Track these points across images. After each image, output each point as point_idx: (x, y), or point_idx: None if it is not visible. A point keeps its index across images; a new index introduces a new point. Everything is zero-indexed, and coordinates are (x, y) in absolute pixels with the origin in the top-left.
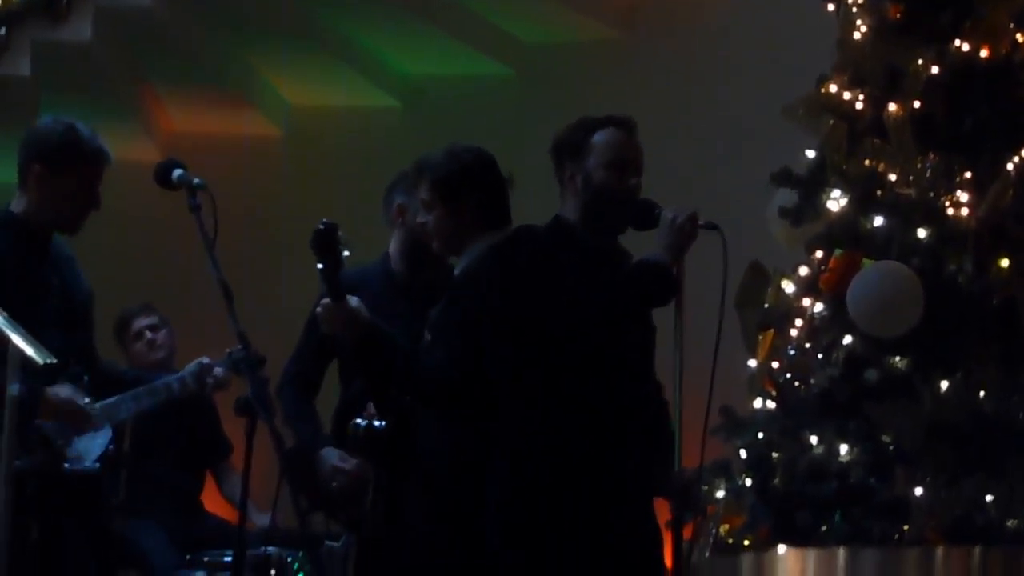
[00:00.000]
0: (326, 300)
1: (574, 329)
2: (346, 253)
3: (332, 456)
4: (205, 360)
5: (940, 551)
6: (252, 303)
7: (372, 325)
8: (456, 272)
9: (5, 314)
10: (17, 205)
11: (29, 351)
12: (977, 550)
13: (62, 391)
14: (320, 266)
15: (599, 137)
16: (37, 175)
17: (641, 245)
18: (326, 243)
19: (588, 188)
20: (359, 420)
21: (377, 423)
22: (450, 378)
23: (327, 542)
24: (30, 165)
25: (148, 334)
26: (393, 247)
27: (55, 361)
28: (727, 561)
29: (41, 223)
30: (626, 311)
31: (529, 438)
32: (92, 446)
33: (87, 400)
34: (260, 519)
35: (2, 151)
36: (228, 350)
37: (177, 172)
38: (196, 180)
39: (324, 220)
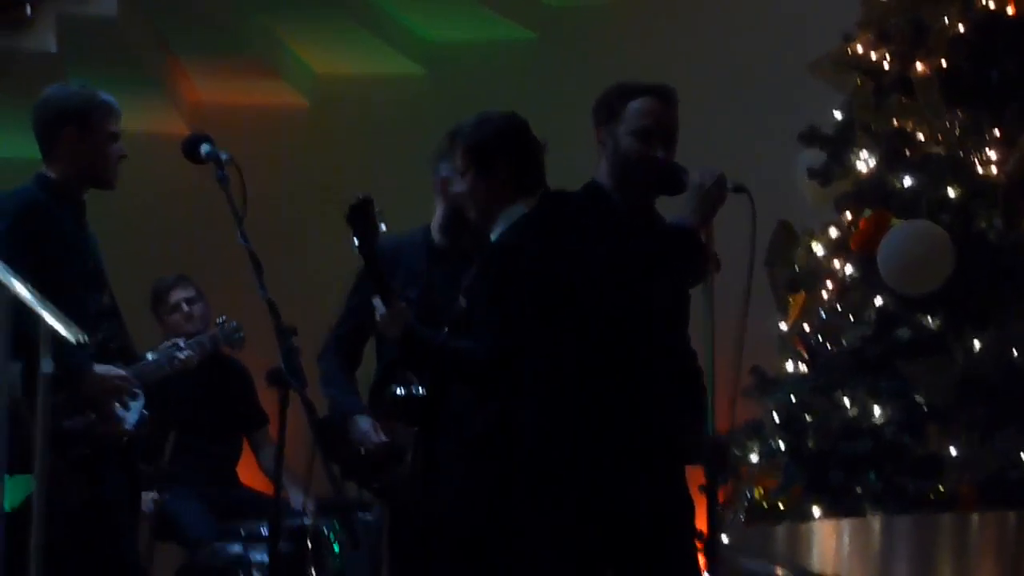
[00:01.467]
0: (383, 311)
1: (603, 293)
2: (382, 227)
3: (364, 423)
4: (180, 341)
5: (976, 518)
6: (281, 273)
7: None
8: (492, 238)
9: (36, 292)
10: (52, 172)
11: (60, 329)
12: (1012, 515)
13: (108, 370)
14: (356, 241)
15: (633, 105)
16: (69, 137)
17: (673, 209)
18: (361, 217)
19: (616, 154)
20: (397, 387)
21: (415, 389)
22: (488, 362)
23: (359, 513)
24: (60, 129)
25: (184, 306)
26: (436, 217)
27: (86, 339)
28: (761, 526)
29: (80, 184)
30: (656, 275)
31: (557, 401)
32: (131, 410)
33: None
34: (295, 495)
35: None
36: (218, 320)
37: (205, 147)
38: (223, 154)
39: (358, 194)
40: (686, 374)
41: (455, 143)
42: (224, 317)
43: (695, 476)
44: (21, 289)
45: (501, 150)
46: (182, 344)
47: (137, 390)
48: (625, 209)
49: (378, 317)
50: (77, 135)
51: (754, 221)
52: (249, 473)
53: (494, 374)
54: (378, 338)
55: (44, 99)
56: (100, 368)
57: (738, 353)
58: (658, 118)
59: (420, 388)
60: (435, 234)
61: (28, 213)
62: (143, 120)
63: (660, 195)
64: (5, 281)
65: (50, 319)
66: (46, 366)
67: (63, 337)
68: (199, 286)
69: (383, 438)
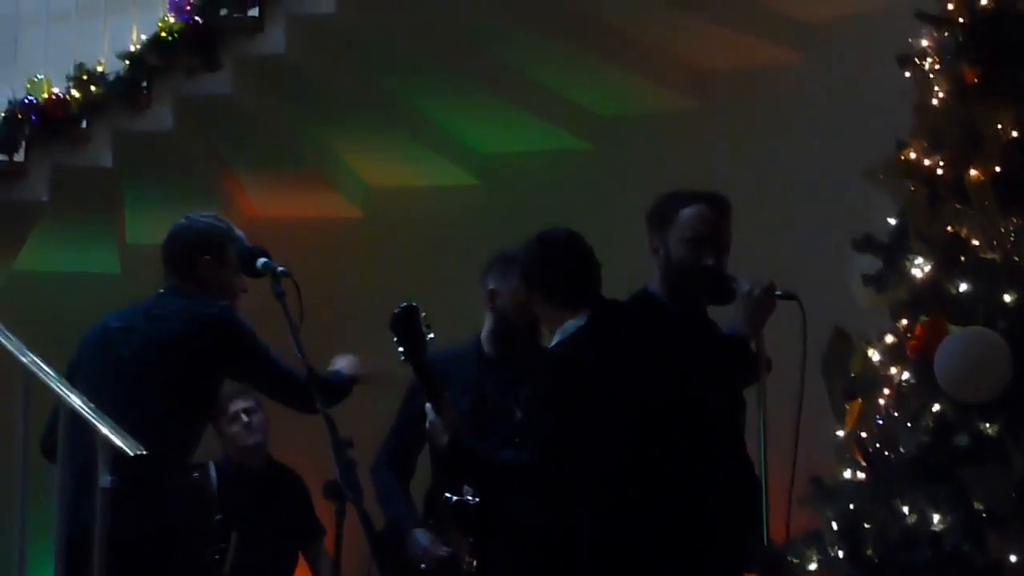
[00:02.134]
0: (433, 417)
1: (657, 400)
2: (430, 336)
3: (423, 538)
4: None
5: None
6: None
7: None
8: (548, 350)
9: (92, 404)
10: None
11: (117, 441)
12: None
13: None
14: (400, 350)
15: (685, 213)
16: (207, 265)
17: (724, 317)
18: (405, 324)
19: (668, 262)
20: (450, 495)
21: (470, 498)
22: (534, 469)
23: None
24: (198, 258)
25: (244, 417)
26: (485, 329)
27: (144, 452)
28: None
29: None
30: (708, 382)
31: (615, 512)
32: None
33: None
34: None
35: (88, 240)
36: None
37: (261, 260)
38: (280, 267)
39: (402, 303)
40: (743, 482)
41: (511, 266)
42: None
43: None
44: (79, 402)
45: (551, 269)
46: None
47: None
48: (678, 316)
49: (427, 424)
50: (211, 263)
51: (804, 328)
52: None
53: (540, 482)
54: (432, 445)
55: (180, 227)
56: None
57: (793, 460)
58: (710, 225)
59: (473, 496)
60: (485, 345)
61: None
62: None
63: (710, 304)
64: (64, 395)
65: (106, 431)
66: (104, 480)
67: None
68: (258, 397)
69: (444, 551)
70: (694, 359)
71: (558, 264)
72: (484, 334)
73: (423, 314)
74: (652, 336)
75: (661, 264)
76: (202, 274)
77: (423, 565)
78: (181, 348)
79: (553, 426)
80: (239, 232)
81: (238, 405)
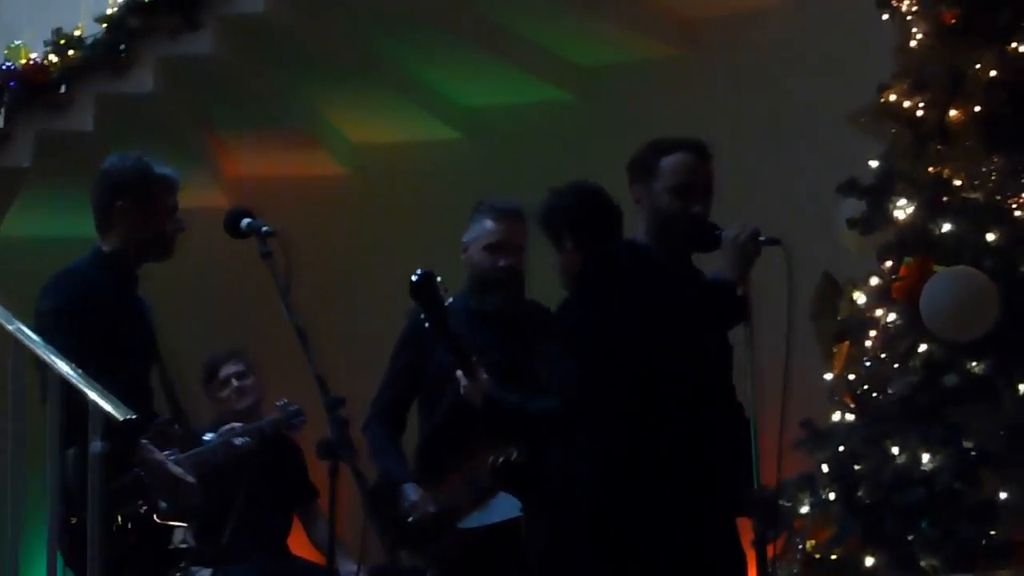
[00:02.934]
0: (465, 382)
1: (649, 349)
2: (450, 300)
3: (411, 492)
4: (238, 425)
5: None
6: (329, 343)
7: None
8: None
9: (80, 370)
10: (107, 246)
11: (108, 407)
12: None
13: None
14: (424, 317)
15: (667, 161)
16: (122, 211)
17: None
18: (425, 292)
19: (653, 211)
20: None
21: (512, 455)
22: (562, 417)
23: None
24: (113, 203)
25: (235, 381)
26: (464, 284)
27: (135, 417)
28: None
29: (135, 258)
30: (699, 330)
31: (609, 456)
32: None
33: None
34: (347, 565)
35: (73, 206)
36: (278, 403)
37: (246, 220)
38: (265, 227)
39: (418, 269)
40: (734, 425)
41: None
42: (284, 400)
43: (745, 530)
44: (67, 369)
45: (567, 222)
46: (238, 429)
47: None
48: (666, 265)
49: (461, 389)
50: (128, 209)
51: (790, 273)
52: (298, 543)
53: (568, 428)
54: (421, 402)
55: (100, 172)
56: (157, 455)
57: (782, 404)
58: (694, 173)
59: (517, 453)
60: (467, 298)
61: (81, 292)
62: (184, 196)
63: (696, 251)
64: (51, 362)
65: (97, 398)
66: (95, 447)
67: (112, 416)
68: (251, 360)
69: (431, 507)
70: (685, 307)
71: (573, 216)
72: (463, 287)
73: (439, 279)
74: (643, 286)
75: (646, 214)
76: (120, 223)
77: (411, 519)
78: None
79: (566, 374)
80: (166, 171)
81: (228, 370)
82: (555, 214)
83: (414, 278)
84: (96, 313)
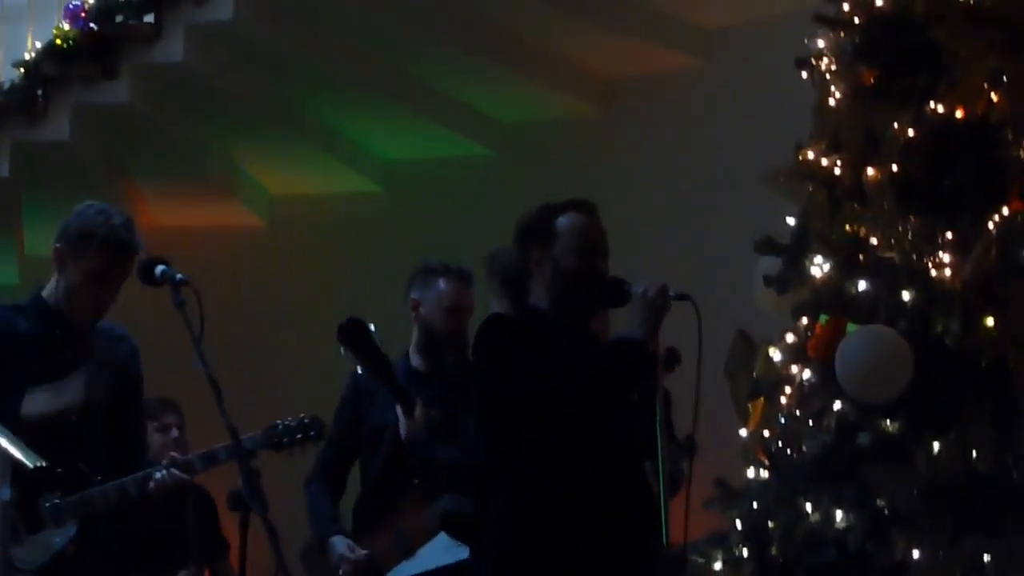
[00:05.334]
0: (403, 421)
1: (552, 411)
2: (382, 347)
3: (340, 545)
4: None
5: None
6: (240, 394)
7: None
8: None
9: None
10: (48, 289)
11: (17, 455)
12: None
13: None
14: (356, 360)
15: (563, 222)
16: (57, 254)
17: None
18: (353, 335)
19: (558, 274)
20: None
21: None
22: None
23: None
24: (55, 245)
25: (174, 431)
26: (412, 341)
27: (44, 464)
28: None
29: (60, 308)
30: (603, 391)
31: (518, 514)
32: (50, 543)
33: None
34: None
35: None
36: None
37: (160, 268)
38: (179, 275)
39: (348, 316)
40: (640, 487)
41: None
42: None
43: None
44: None
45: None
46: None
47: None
48: (567, 330)
49: (401, 429)
50: (63, 256)
51: (700, 329)
52: None
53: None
54: (361, 461)
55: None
56: None
57: (689, 462)
58: (591, 231)
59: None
60: (413, 358)
61: None
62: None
63: (604, 307)
64: None
65: (7, 445)
66: (4, 494)
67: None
68: (180, 414)
69: (360, 554)
70: (585, 369)
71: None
72: (412, 346)
73: (372, 327)
74: (541, 346)
75: (547, 277)
76: (57, 267)
77: (341, 570)
78: None
79: (474, 431)
80: (124, 235)
81: (167, 419)
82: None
83: (343, 322)
84: None
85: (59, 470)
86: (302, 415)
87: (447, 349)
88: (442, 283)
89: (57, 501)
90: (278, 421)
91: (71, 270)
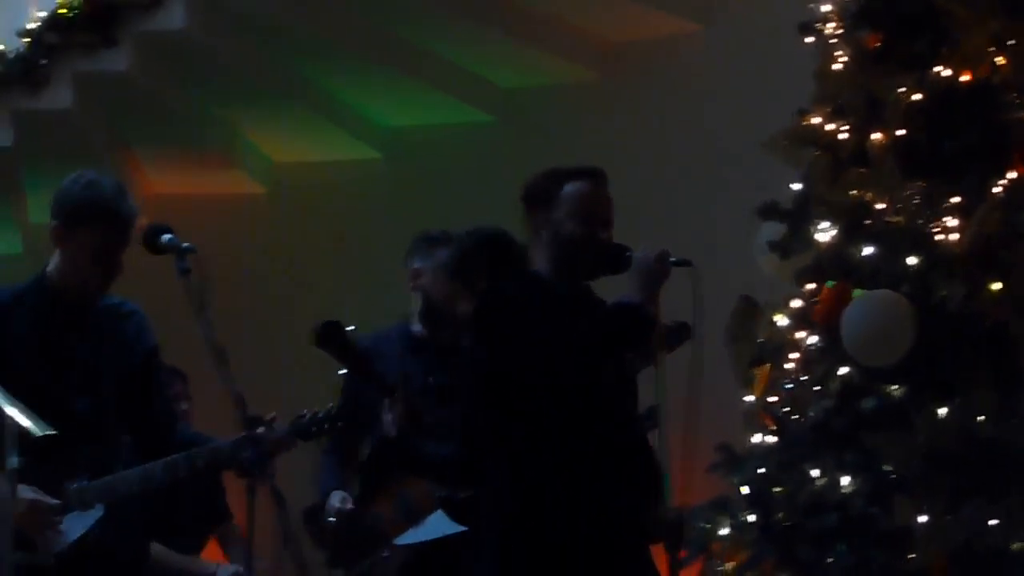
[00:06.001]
0: (387, 416)
1: (553, 379)
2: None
3: (334, 499)
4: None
5: None
6: (245, 361)
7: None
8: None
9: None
10: (52, 265)
11: (26, 423)
12: None
13: (23, 493)
14: (338, 361)
15: (568, 189)
16: (55, 233)
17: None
18: (331, 338)
19: (557, 240)
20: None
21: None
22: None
23: None
24: (51, 223)
25: (183, 404)
26: (413, 309)
27: (53, 433)
28: None
29: (65, 286)
30: (603, 355)
31: (517, 492)
32: (74, 526)
33: (77, 483)
34: None
35: None
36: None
37: (165, 236)
38: (184, 244)
39: (320, 320)
40: (641, 451)
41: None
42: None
43: (661, 555)
44: None
45: (480, 267)
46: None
47: (58, 517)
48: (563, 294)
49: (386, 426)
50: (59, 233)
51: (696, 294)
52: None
53: (464, 475)
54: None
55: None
56: (20, 491)
57: (691, 426)
58: (594, 199)
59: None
60: (414, 325)
61: None
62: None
63: (605, 274)
64: None
65: (15, 413)
66: (12, 463)
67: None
68: (186, 382)
69: (348, 507)
70: (583, 336)
71: (508, 250)
72: (412, 313)
73: (350, 328)
74: (540, 314)
75: (548, 242)
76: (55, 245)
77: (331, 519)
78: None
79: (464, 418)
80: (121, 204)
81: (176, 388)
82: (469, 259)
83: (314, 330)
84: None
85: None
86: (330, 405)
87: (447, 318)
88: (443, 253)
89: (85, 483)
90: (304, 411)
91: (71, 248)
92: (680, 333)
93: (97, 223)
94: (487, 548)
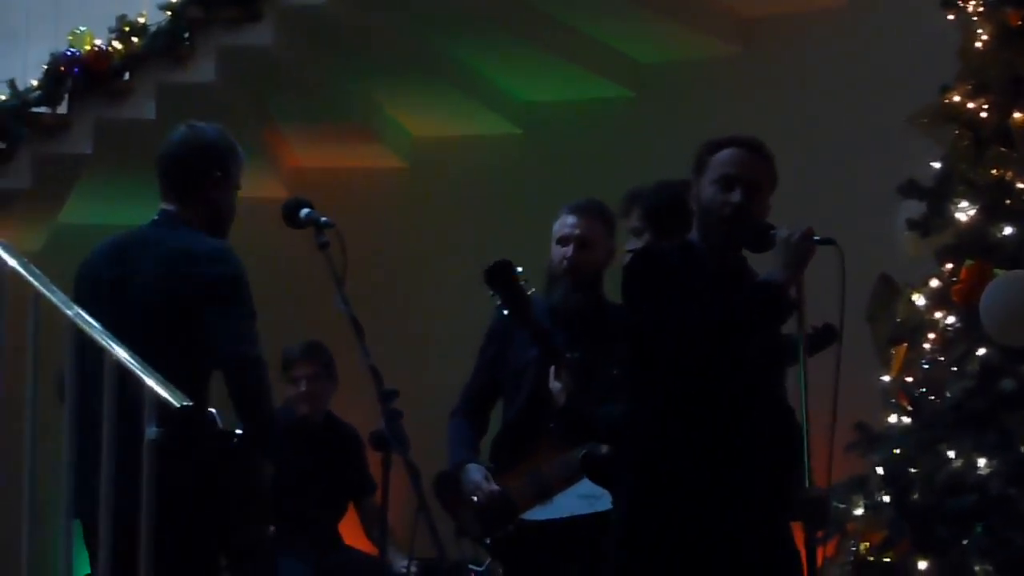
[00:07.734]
0: (554, 380)
1: (690, 349)
2: (532, 291)
3: (476, 473)
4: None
5: None
6: (383, 336)
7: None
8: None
9: (139, 357)
10: (192, 215)
11: (164, 393)
12: None
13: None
14: (501, 304)
15: (717, 155)
16: (215, 182)
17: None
18: (500, 280)
19: (700, 206)
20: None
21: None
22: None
23: (471, 566)
24: (209, 172)
25: (304, 385)
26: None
27: (191, 404)
28: None
29: (212, 233)
30: (741, 332)
31: (653, 456)
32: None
33: None
34: (398, 558)
35: (132, 194)
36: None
37: (304, 211)
38: (324, 218)
39: (495, 258)
40: (784, 429)
41: (633, 205)
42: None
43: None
44: (124, 355)
45: (677, 214)
46: None
47: None
48: (710, 263)
49: (551, 386)
50: (219, 180)
51: (843, 273)
52: (352, 532)
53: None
54: (504, 395)
55: (185, 137)
56: None
57: (833, 405)
58: (739, 165)
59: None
60: (546, 295)
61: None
62: (243, 186)
63: (749, 250)
64: (108, 347)
65: (154, 384)
66: (151, 433)
67: (168, 402)
68: (327, 359)
69: (494, 487)
70: (723, 309)
71: (682, 210)
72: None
73: (519, 269)
74: (686, 282)
75: (696, 210)
76: (208, 195)
77: (474, 498)
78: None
79: (623, 381)
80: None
81: (301, 370)
82: (667, 204)
83: (488, 265)
84: None
85: (212, 411)
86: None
87: (554, 283)
88: (561, 217)
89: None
90: None
91: (226, 189)
92: (825, 336)
93: (240, 168)
94: (618, 509)
